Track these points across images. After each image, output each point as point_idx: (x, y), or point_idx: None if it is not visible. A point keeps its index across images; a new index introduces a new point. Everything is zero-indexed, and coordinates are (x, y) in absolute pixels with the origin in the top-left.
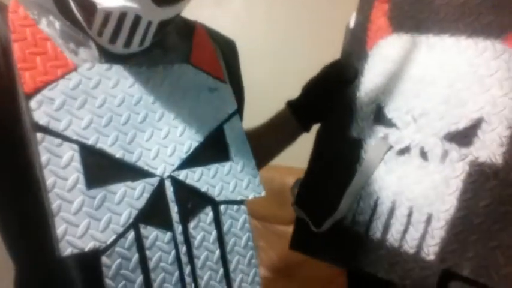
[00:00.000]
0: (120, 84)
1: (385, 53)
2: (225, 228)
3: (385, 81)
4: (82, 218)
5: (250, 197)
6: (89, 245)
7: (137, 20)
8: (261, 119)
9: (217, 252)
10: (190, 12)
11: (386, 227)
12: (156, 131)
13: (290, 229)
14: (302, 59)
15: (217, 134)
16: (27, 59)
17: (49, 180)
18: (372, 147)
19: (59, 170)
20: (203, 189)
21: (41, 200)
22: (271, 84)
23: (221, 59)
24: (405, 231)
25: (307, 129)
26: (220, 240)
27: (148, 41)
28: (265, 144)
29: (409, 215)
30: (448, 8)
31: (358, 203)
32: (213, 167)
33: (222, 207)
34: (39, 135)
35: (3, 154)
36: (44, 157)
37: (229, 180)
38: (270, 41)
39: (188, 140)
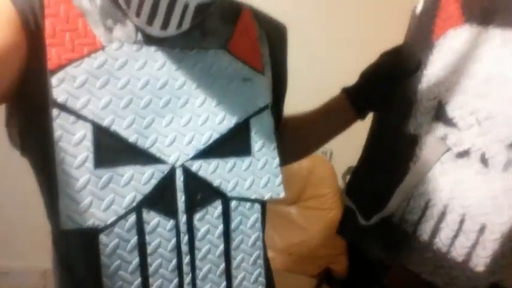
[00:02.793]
0: (147, 67)
1: (453, 45)
2: (233, 224)
3: (451, 76)
4: (85, 196)
5: (267, 197)
6: (88, 223)
7: (173, 1)
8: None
9: (221, 247)
10: None
11: (435, 231)
12: (177, 117)
13: (291, 209)
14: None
15: (242, 127)
16: (57, 35)
17: (58, 156)
18: (428, 147)
19: (70, 147)
20: (215, 183)
21: (53, 173)
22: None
23: (265, 46)
24: (455, 237)
25: (362, 116)
26: (227, 235)
27: (187, 24)
28: (318, 130)
29: (461, 222)
30: None
31: (409, 201)
32: (231, 161)
33: (233, 203)
34: (55, 111)
35: (33, 125)
36: (57, 133)
37: (247, 176)
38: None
39: (209, 130)
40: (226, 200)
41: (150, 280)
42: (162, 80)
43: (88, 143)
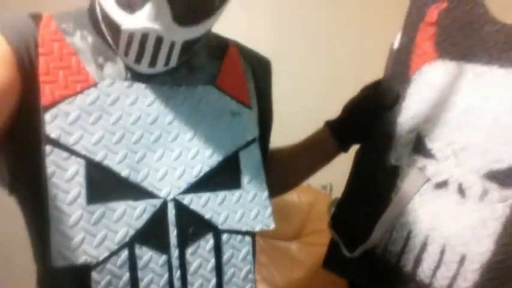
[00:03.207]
0: (139, 102)
1: (428, 80)
2: (224, 257)
3: (427, 109)
4: (78, 232)
5: (257, 229)
6: (80, 259)
7: (159, 40)
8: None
9: (213, 281)
10: None
11: (418, 261)
12: (168, 152)
13: (292, 245)
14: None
15: (231, 161)
16: (50, 73)
17: (51, 192)
18: (408, 178)
19: (62, 183)
20: (207, 216)
21: (45, 210)
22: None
23: (251, 81)
24: (437, 268)
25: (345, 149)
26: (219, 269)
27: (174, 61)
28: (303, 163)
29: (442, 252)
30: (498, 35)
31: (391, 232)
32: (222, 194)
33: (225, 236)
34: (48, 147)
35: (25, 162)
36: (49, 169)
37: (237, 209)
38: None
39: (199, 164)
40: (217, 233)
41: None
42: (153, 115)
43: (81, 178)
